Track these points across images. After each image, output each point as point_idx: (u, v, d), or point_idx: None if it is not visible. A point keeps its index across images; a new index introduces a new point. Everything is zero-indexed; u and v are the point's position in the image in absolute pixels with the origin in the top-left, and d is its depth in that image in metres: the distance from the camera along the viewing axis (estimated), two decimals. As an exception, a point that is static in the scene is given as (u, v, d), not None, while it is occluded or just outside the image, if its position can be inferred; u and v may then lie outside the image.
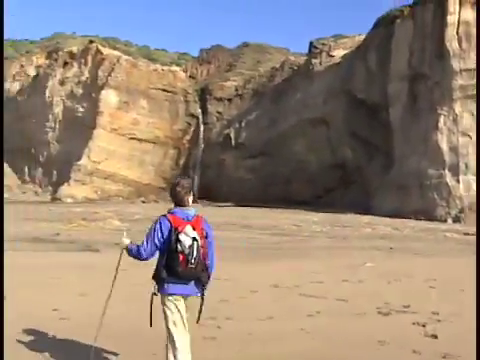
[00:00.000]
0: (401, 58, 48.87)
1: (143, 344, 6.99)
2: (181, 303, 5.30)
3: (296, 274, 13.50)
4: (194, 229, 5.19)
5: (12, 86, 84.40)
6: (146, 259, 5.35)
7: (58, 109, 74.67)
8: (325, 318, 8.76)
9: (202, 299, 5.42)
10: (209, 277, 5.44)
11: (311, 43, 66.38)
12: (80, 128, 69.71)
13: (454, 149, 43.06)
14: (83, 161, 67.21)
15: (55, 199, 63.71)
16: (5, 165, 76.29)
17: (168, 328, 5.34)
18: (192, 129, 73.76)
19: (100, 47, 75.70)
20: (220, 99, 74.04)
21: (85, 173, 66.87)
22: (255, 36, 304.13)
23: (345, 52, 60.53)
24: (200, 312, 5.42)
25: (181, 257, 5.07)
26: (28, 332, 7.35)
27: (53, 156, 73.96)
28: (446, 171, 42.90)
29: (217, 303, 9.33)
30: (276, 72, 70.62)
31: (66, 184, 66.29)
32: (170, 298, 5.26)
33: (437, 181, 43.12)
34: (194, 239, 5.11)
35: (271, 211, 48.44)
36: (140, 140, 70.89)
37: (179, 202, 5.40)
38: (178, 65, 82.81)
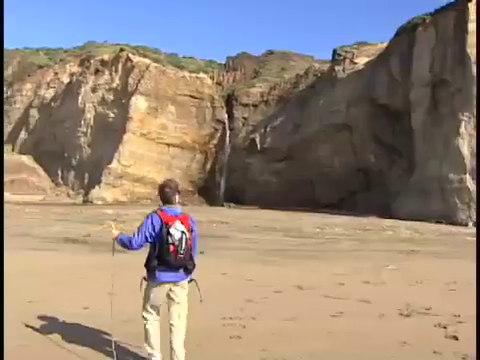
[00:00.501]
0: (423, 65, 49.20)
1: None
2: (171, 290, 6.09)
3: (319, 276, 13.56)
4: (182, 224, 5.99)
5: (47, 93, 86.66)
6: (136, 249, 6.04)
7: (90, 115, 76.55)
8: (347, 319, 8.82)
9: (195, 281, 6.30)
10: (194, 265, 6.21)
11: (335, 51, 67.05)
12: (111, 133, 71.21)
13: (475, 154, 42.69)
14: (113, 165, 68.52)
15: (86, 201, 65.00)
16: (40, 168, 78.61)
17: (145, 309, 6.16)
18: (218, 134, 74.57)
19: (130, 55, 77.22)
20: (246, 105, 74.87)
21: (115, 176, 68.12)
22: (280, 44, 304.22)
23: (368, 59, 61.11)
24: (199, 291, 6.28)
25: (172, 248, 5.83)
26: (59, 328, 7.55)
27: (85, 160, 75.69)
28: (467, 175, 42.80)
29: (242, 303, 9.73)
30: (300, 79, 71.32)
31: (97, 187, 67.52)
32: (159, 287, 6.02)
33: (458, 185, 42.99)
34: (183, 232, 5.92)
35: (295, 214, 48.75)
36: (168, 144, 72.01)
37: (167, 201, 6.14)
38: (205, 72, 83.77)
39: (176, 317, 6.17)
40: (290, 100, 69.38)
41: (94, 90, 77.54)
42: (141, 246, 6.01)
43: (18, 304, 8.81)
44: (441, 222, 41.03)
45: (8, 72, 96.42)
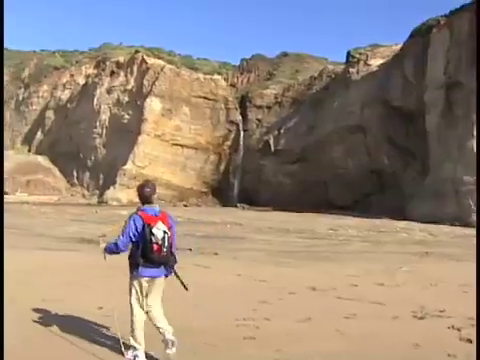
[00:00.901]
0: (437, 66, 49.10)
1: (183, 342, 6.95)
2: (150, 284, 6.47)
3: (333, 277, 13.49)
4: (163, 223, 6.37)
5: (63, 94, 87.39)
6: (123, 250, 6.43)
7: (105, 116, 77.12)
8: (361, 321, 8.79)
9: (175, 273, 6.62)
10: (176, 261, 6.60)
11: (348, 53, 67.11)
12: (125, 134, 71.70)
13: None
14: (128, 166, 68.98)
15: (101, 202, 65.67)
16: (55, 169, 79.22)
17: (131, 303, 6.50)
18: (232, 135, 74.79)
19: (145, 57, 77.70)
20: (260, 107, 75.05)
21: (130, 177, 68.41)
22: (294, 46, 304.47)
23: (382, 61, 61.10)
24: (182, 282, 6.66)
25: (155, 247, 6.23)
26: (73, 327, 7.57)
27: (100, 161, 76.22)
28: (481, 178, 42.57)
29: (256, 304, 9.71)
30: (314, 81, 71.33)
31: (112, 188, 68.03)
32: (142, 280, 6.38)
33: (472, 187, 42.26)
34: (165, 232, 6.32)
35: (308, 215, 48.75)
36: (182, 146, 72.35)
37: (146, 200, 6.57)
38: (219, 74, 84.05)
39: (151, 302, 6.54)
40: (304, 102, 69.42)
41: (109, 92, 78.10)
42: (127, 246, 6.40)
43: (33, 302, 8.90)
44: (455, 224, 40.75)
45: (25, 74, 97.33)
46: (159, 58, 79.41)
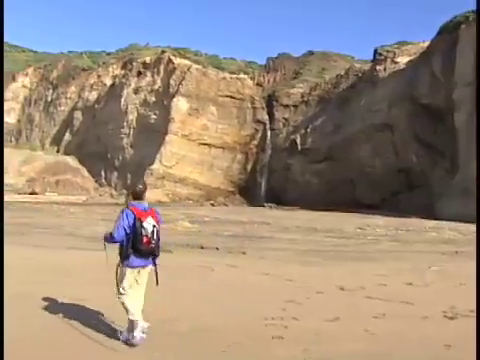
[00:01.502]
0: (466, 63, 48.41)
1: (212, 340, 7.22)
2: (139, 272, 7.08)
3: (361, 276, 13.37)
4: (152, 218, 7.03)
5: (90, 95, 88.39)
6: (118, 241, 6.97)
7: (132, 116, 77.76)
8: (390, 320, 8.73)
9: (155, 267, 7.23)
10: (159, 252, 7.23)
11: (375, 50, 66.74)
12: (153, 134, 72.20)
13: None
14: (155, 165, 69.45)
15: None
16: (83, 169, 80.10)
17: (122, 288, 7.02)
18: (259, 135, 74.73)
19: (172, 57, 78.21)
20: (286, 106, 75.02)
21: (157, 177, 68.93)
22: (320, 44, 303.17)
23: (409, 58, 60.55)
24: (157, 276, 7.26)
25: (145, 239, 6.87)
26: (102, 326, 7.65)
27: (127, 160, 76.84)
28: (512, 175, 41.68)
29: (284, 303, 9.60)
30: (341, 79, 71.06)
31: (139, 187, 68.71)
32: (132, 270, 7.00)
33: None
34: (154, 226, 7.00)
35: (336, 214, 48.46)
36: (209, 145, 72.61)
37: (138, 196, 7.19)
38: (246, 73, 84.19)
39: (137, 291, 7.14)
40: (331, 100, 69.20)
41: (136, 92, 78.72)
42: (122, 238, 6.92)
43: (62, 299, 9.03)
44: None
45: (53, 75, 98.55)
46: (185, 58, 79.83)
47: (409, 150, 56.90)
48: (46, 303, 8.69)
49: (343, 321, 8.56)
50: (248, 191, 72.79)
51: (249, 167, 74.52)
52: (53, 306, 8.47)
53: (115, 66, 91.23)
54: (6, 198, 62.39)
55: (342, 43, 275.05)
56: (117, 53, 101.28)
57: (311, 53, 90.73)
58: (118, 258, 7.10)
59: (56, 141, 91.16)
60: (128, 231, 6.88)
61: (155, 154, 69.93)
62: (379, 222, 39.58)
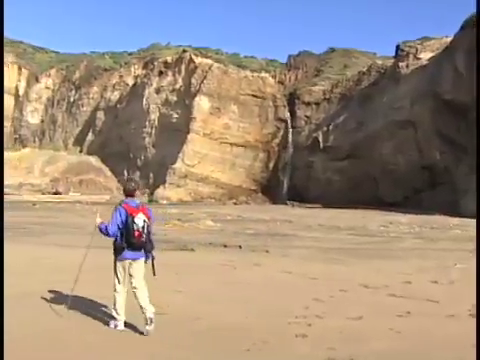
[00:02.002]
0: (490, 58, 48.09)
1: (236, 339, 7.22)
2: (132, 265, 7.53)
3: (385, 274, 13.30)
4: (143, 214, 7.49)
5: (112, 95, 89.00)
6: (112, 236, 7.46)
7: (154, 116, 78.14)
8: (415, 319, 8.63)
9: (152, 259, 7.68)
10: (153, 246, 7.69)
11: (398, 46, 66.16)
12: (174, 133, 72.52)
13: None
14: (177, 164, 69.72)
15: (151, 201, 65.90)
16: (106, 168, 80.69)
17: (117, 279, 7.56)
18: (281, 133, 74.66)
19: (193, 56, 78.39)
20: (308, 103, 74.78)
21: (179, 176, 69.23)
22: (342, 41, 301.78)
23: (432, 54, 59.94)
24: (153, 267, 7.67)
25: (137, 233, 7.35)
26: (126, 325, 7.62)
27: (150, 160, 77.26)
28: None
29: (308, 301, 9.58)
30: (363, 76, 70.60)
31: (162, 186, 68.88)
32: (126, 262, 7.49)
33: None
34: (144, 221, 7.44)
35: (359, 212, 48.27)
36: (231, 144, 72.67)
37: (129, 193, 7.69)
38: (267, 71, 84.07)
39: (136, 283, 7.58)
40: (353, 98, 68.84)
41: (158, 91, 79.09)
42: (115, 234, 7.43)
43: (87, 298, 9.09)
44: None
45: (75, 76, 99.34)
46: (206, 57, 79.98)
47: (432, 147, 56.31)
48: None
49: (367, 319, 8.51)
50: (270, 189, 72.75)
51: (271, 165, 74.46)
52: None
53: (137, 66, 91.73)
54: (31, 197, 63.26)
55: (364, 40, 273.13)
56: (138, 53, 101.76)
57: (332, 50, 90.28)
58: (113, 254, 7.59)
59: (79, 141, 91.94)
60: (121, 226, 7.40)
61: (177, 153, 70.19)
62: (402, 220, 39.33)
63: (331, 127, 69.18)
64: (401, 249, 20.96)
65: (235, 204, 65.74)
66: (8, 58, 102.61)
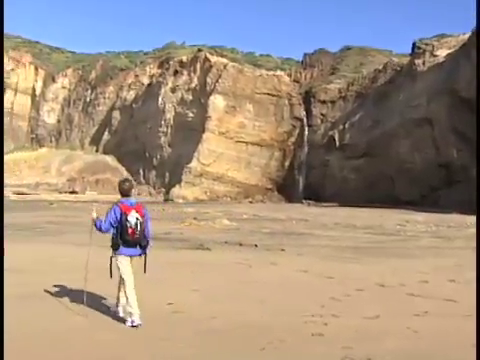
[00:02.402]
0: (508, 55, 47.64)
1: (251, 338, 7.24)
2: (128, 260, 7.91)
3: (401, 273, 13.25)
4: (137, 212, 7.85)
5: (128, 95, 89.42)
6: (104, 232, 7.92)
7: (170, 115, 78.38)
8: (433, 318, 8.61)
9: (145, 256, 8.06)
10: (148, 242, 8.05)
11: (414, 44, 65.74)
12: (190, 132, 72.65)
13: None
14: (193, 163, 69.77)
15: (167, 200, 66.42)
16: (122, 168, 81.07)
17: (121, 275, 7.89)
18: (297, 131, 74.39)
19: (208, 55, 78.46)
20: (324, 102, 74.56)
21: (195, 175, 69.33)
22: (357, 39, 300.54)
23: (449, 51, 59.40)
24: (145, 265, 8.06)
25: (130, 230, 7.73)
26: (144, 322, 7.68)
27: (165, 159, 77.52)
28: None
29: (324, 300, 9.57)
30: (379, 74, 70.21)
31: (177, 185, 68.93)
32: (123, 257, 7.85)
33: None
34: (137, 218, 7.80)
35: (375, 211, 47.78)
36: (247, 143, 72.58)
37: (125, 193, 8.10)
38: (282, 70, 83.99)
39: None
40: (369, 96, 68.54)
41: (173, 90, 79.31)
42: (108, 230, 7.89)
43: (99, 295, 9.17)
44: None
45: (91, 76, 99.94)
46: (222, 56, 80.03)
47: (449, 145, 55.88)
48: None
49: (384, 319, 8.45)
50: (286, 188, 72.63)
51: (287, 164, 74.29)
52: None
53: (152, 65, 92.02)
54: (48, 197, 63.68)
55: (380, 38, 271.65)
56: (154, 52, 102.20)
57: (348, 48, 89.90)
58: (111, 250, 7.95)
59: (95, 141, 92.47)
60: (114, 224, 7.81)
61: (193, 152, 70.28)
62: (419, 218, 38.98)
63: (347, 125, 68.95)
64: (418, 248, 20.79)
65: (251, 203, 65.60)
66: (25, 58, 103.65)
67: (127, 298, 7.78)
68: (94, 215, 8.05)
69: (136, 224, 7.76)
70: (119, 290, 8.05)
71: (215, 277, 11.91)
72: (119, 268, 7.87)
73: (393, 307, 9.42)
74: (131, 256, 7.91)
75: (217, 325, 7.72)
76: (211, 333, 7.34)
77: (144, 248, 7.98)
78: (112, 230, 7.86)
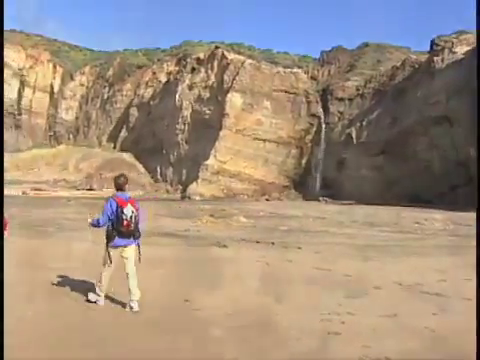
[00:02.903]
0: None
1: (267, 335, 7.26)
2: (123, 250, 8.39)
3: (419, 272, 13.25)
4: (132, 205, 8.32)
5: (145, 92, 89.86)
6: (102, 226, 8.35)
7: (187, 112, 78.53)
8: (451, 317, 8.59)
9: (138, 246, 8.57)
10: (140, 234, 8.53)
11: (433, 40, 65.26)
12: (207, 129, 72.73)
13: None
14: (210, 161, 69.88)
15: (184, 197, 66.55)
16: (139, 165, 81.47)
17: (109, 261, 8.35)
18: (314, 129, 74.14)
19: (225, 52, 78.52)
20: (341, 99, 74.24)
21: (212, 172, 69.42)
22: (375, 36, 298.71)
23: (468, 48, 58.85)
24: (140, 254, 8.55)
25: (125, 223, 8.19)
26: (160, 320, 7.81)
27: (182, 156, 77.73)
28: None
29: (341, 299, 9.54)
30: (397, 71, 69.70)
31: (194, 183, 69.02)
32: (116, 249, 8.33)
33: None
34: (132, 212, 8.28)
35: (393, 209, 47.24)
36: (264, 140, 72.49)
37: (120, 188, 8.54)
38: (300, 67, 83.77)
39: (129, 269, 8.45)
40: (386, 93, 68.08)
41: (191, 88, 79.45)
42: (106, 223, 8.32)
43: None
44: None
45: (109, 73, 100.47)
46: (239, 53, 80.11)
47: (468, 143, 55.35)
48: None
49: (401, 317, 8.43)
50: (303, 185, 72.49)
51: (304, 161, 74.14)
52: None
53: (169, 63, 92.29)
54: (66, 194, 64.14)
55: (398, 34, 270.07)
56: (171, 50, 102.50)
57: (366, 45, 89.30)
58: (105, 241, 8.41)
59: (112, 138, 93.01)
60: (111, 217, 8.24)
61: (210, 149, 70.35)
62: (437, 216, 38.56)
63: (364, 123, 68.59)
64: (436, 246, 20.71)
65: (267, 200, 65.59)
66: (44, 56, 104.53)
67: (100, 287, 8.46)
68: (89, 220, 8.58)
69: (131, 217, 8.25)
70: (102, 271, 8.50)
71: (231, 274, 11.89)
72: (108, 257, 8.35)
73: (411, 306, 9.39)
74: (124, 246, 8.37)
75: (232, 322, 7.71)
76: (226, 330, 7.34)
77: (137, 239, 8.49)
78: (107, 223, 8.31)
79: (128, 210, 8.22)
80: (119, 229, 8.21)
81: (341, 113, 73.94)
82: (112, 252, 8.32)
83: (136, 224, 8.37)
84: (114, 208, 8.21)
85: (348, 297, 9.73)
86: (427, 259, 16.30)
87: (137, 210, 8.40)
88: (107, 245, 8.35)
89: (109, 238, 8.31)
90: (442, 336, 7.45)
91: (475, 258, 16.17)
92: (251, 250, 17.02)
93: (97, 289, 8.50)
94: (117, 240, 8.27)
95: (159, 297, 9.14)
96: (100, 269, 8.47)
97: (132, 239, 8.40)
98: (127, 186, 8.66)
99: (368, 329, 7.66)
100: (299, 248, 17.94)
